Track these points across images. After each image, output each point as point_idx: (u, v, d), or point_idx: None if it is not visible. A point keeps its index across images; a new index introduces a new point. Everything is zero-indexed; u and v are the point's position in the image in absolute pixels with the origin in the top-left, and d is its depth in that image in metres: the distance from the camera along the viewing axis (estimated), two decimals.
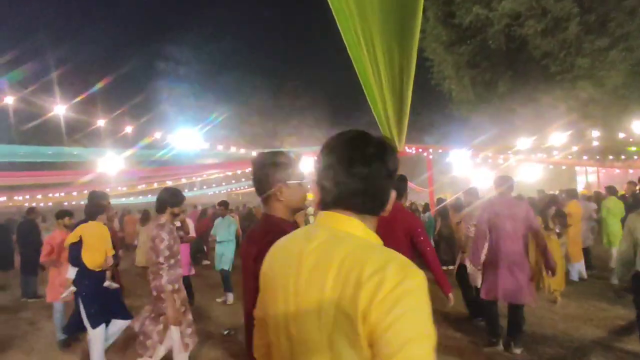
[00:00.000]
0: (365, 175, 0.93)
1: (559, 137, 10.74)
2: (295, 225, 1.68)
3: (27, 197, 14.24)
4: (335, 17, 2.54)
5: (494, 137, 12.69)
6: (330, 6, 2.43)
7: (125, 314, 4.09)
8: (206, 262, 10.47)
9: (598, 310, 5.33)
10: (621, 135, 9.33)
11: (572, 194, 7.56)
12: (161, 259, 3.18)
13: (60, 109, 6.27)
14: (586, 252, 7.30)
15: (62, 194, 14.47)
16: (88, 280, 3.91)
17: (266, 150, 1.77)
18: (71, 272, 4.03)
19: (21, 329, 5.69)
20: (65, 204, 18.86)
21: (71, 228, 4.95)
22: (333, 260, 0.87)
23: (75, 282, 3.99)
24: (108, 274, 4.08)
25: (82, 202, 19.65)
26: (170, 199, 3.38)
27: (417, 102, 4.27)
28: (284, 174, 1.61)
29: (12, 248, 8.23)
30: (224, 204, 7.41)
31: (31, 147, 7.53)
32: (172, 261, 3.25)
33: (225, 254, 6.82)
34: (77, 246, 3.92)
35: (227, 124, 22.82)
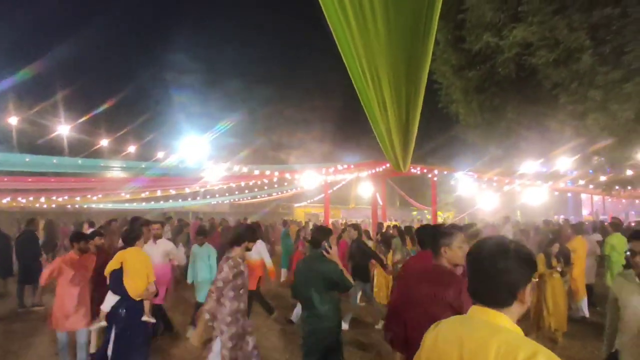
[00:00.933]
0: (511, 281, 1.27)
1: (565, 163, 10.64)
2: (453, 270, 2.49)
3: (31, 199, 14.28)
4: (338, 46, 2.45)
5: (500, 161, 12.61)
6: (334, 35, 2.33)
7: (145, 356, 3.94)
8: None
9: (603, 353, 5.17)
10: (629, 172, 9.17)
11: (578, 229, 7.37)
12: (212, 287, 3.35)
13: (64, 129, 6.30)
14: (589, 288, 7.08)
15: (66, 198, 14.50)
16: (127, 310, 3.75)
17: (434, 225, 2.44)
18: (108, 303, 3.81)
19: (16, 343, 5.60)
20: (69, 207, 18.93)
21: (86, 252, 4.52)
22: (490, 346, 1.16)
23: (112, 312, 3.80)
24: (146, 306, 3.89)
25: (85, 206, 19.74)
26: (250, 236, 3.63)
27: (423, 124, 4.21)
28: (447, 240, 2.48)
29: (11, 255, 8.20)
30: (202, 233, 6.07)
31: (36, 156, 7.57)
32: (231, 294, 3.32)
33: (203, 287, 5.61)
34: (119, 273, 3.78)
35: (232, 133, 22.95)
